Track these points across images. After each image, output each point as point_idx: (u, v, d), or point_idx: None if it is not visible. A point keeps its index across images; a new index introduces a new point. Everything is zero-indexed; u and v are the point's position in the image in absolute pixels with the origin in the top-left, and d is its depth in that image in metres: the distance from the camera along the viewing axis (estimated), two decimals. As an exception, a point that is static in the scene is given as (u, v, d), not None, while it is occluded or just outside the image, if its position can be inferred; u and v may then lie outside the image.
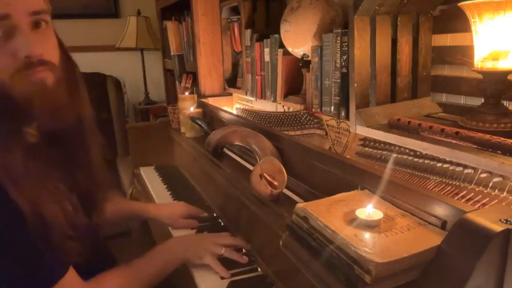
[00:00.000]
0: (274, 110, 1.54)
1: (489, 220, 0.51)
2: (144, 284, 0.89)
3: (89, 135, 0.85)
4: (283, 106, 1.46)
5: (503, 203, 0.67)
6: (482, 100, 0.84)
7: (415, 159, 0.87)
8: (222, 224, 1.15)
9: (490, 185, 0.71)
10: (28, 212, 0.67)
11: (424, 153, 0.84)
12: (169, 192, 1.46)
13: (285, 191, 1.04)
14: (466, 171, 0.76)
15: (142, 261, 0.92)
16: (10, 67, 0.68)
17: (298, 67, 1.36)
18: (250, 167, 1.23)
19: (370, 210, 0.66)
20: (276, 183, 1.02)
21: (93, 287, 0.82)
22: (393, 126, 0.91)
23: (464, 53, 0.95)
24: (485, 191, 0.71)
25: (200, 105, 1.81)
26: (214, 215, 1.21)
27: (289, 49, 1.35)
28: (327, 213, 0.68)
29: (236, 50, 1.91)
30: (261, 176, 1.00)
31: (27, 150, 0.71)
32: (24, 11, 0.68)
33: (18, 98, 0.68)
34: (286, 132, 1.32)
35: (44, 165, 0.74)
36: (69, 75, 0.79)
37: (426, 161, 0.84)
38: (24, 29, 0.68)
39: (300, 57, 1.33)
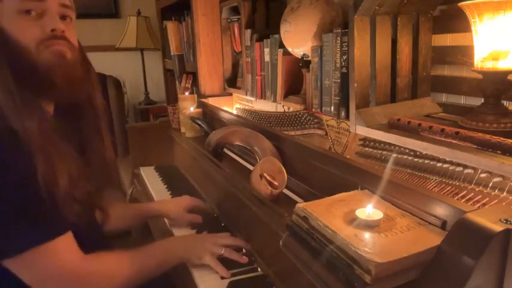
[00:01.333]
0: (274, 110, 1.54)
1: (489, 220, 0.51)
2: (140, 274, 0.89)
3: (102, 122, 0.97)
4: (283, 106, 1.46)
5: (503, 203, 0.67)
6: (482, 100, 0.84)
7: (415, 159, 0.87)
8: (222, 224, 1.15)
9: (490, 185, 0.71)
10: (40, 161, 0.74)
11: (424, 153, 0.84)
12: (169, 192, 1.46)
13: (285, 191, 1.04)
14: (466, 171, 0.76)
15: (142, 251, 0.92)
16: (37, 37, 0.80)
17: (298, 67, 1.36)
18: (250, 167, 1.23)
19: (370, 210, 0.66)
20: (276, 183, 1.02)
21: (90, 260, 0.83)
22: (393, 126, 0.91)
23: (464, 53, 0.95)
24: (485, 191, 0.71)
25: (200, 105, 1.81)
26: (215, 215, 1.21)
27: (289, 49, 1.35)
28: (326, 213, 0.68)
29: (236, 50, 1.91)
30: (261, 176, 1.00)
31: (45, 120, 0.81)
32: (57, 1, 0.83)
33: (41, 65, 0.80)
34: (286, 132, 1.32)
35: (58, 135, 0.82)
36: (84, 63, 0.90)
37: (426, 161, 0.84)
38: (54, 13, 0.82)
39: (300, 57, 1.33)
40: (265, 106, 1.64)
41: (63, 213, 0.78)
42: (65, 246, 0.78)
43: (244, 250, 0.98)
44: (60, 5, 0.84)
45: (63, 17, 0.85)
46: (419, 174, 0.85)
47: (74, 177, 0.81)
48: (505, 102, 0.85)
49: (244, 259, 0.94)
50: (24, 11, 0.80)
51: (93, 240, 0.92)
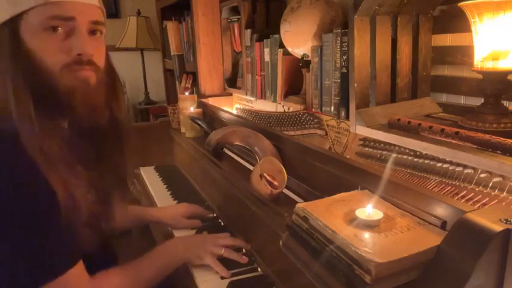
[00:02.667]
0: (274, 110, 1.54)
1: (489, 220, 0.51)
2: (145, 285, 0.89)
3: (123, 138, 0.92)
4: (283, 106, 1.46)
5: (503, 203, 0.67)
6: (482, 100, 0.84)
7: (415, 159, 0.87)
8: (222, 224, 1.15)
9: (490, 185, 0.71)
10: (61, 193, 0.71)
11: (424, 153, 0.84)
12: (169, 192, 1.46)
13: (285, 191, 1.04)
14: (466, 171, 0.76)
15: (143, 261, 0.92)
16: (62, 61, 0.75)
17: (298, 67, 1.36)
18: (250, 167, 1.23)
19: (370, 210, 0.66)
20: (276, 183, 1.02)
21: (97, 284, 0.82)
22: (393, 126, 0.91)
23: (464, 53, 0.95)
24: (485, 191, 0.71)
25: (200, 105, 1.81)
26: (214, 215, 1.21)
27: (289, 49, 1.35)
28: (327, 213, 0.68)
29: (236, 50, 1.91)
30: (261, 176, 1.00)
31: (62, 140, 0.77)
32: (87, 18, 0.77)
33: (63, 89, 0.75)
34: (286, 132, 1.32)
35: (74, 155, 0.79)
36: (110, 81, 0.86)
37: (426, 161, 0.84)
38: (83, 32, 0.77)
39: (300, 57, 1.33)
40: (265, 106, 1.64)
41: (78, 243, 0.76)
42: (76, 275, 0.76)
43: (244, 250, 0.98)
44: (90, 21, 0.78)
45: (92, 32, 0.79)
46: (419, 174, 0.85)
47: (90, 204, 0.79)
48: (505, 102, 0.85)
49: (244, 259, 0.94)
50: (51, 27, 0.74)
51: (98, 254, 0.87)
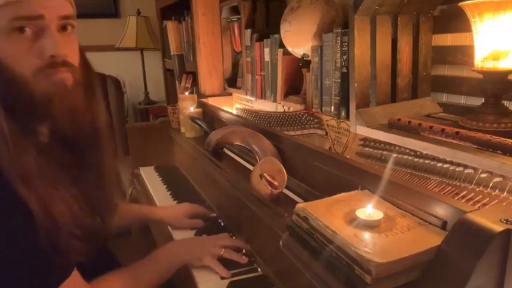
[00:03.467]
0: (274, 110, 1.54)
1: (489, 220, 0.51)
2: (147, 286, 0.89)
3: (102, 140, 0.86)
4: (283, 106, 1.46)
5: (504, 203, 0.67)
6: (483, 100, 0.84)
7: (415, 159, 0.87)
8: (222, 224, 1.15)
9: (491, 185, 0.71)
10: (38, 212, 0.66)
11: (424, 153, 0.84)
12: (169, 193, 1.45)
13: (285, 191, 1.04)
14: (466, 171, 0.76)
15: (143, 265, 0.91)
16: (34, 65, 0.69)
17: (298, 67, 1.36)
18: (250, 167, 1.23)
19: (370, 210, 0.66)
20: (276, 183, 1.02)
21: None
22: (393, 126, 0.91)
23: (464, 53, 0.95)
24: (485, 191, 0.71)
25: (200, 105, 1.80)
26: (214, 215, 1.21)
27: (289, 49, 1.35)
28: (327, 213, 0.68)
29: (236, 50, 1.91)
30: (261, 176, 1.00)
31: (40, 149, 0.72)
32: (56, 14, 0.71)
33: (39, 95, 0.70)
34: (286, 132, 1.32)
35: (55, 165, 0.74)
36: (86, 80, 0.81)
37: (426, 161, 0.84)
38: (53, 30, 0.71)
39: (300, 57, 1.33)
40: (265, 106, 1.64)
41: (67, 257, 0.72)
42: (72, 285, 0.73)
43: (244, 250, 0.98)
44: (60, 17, 0.72)
45: (63, 28, 0.73)
46: (419, 174, 0.85)
47: (75, 216, 0.74)
48: (505, 102, 0.85)
49: (244, 259, 0.94)
50: (17, 29, 0.68)
51: (95, 244, 0.85)
